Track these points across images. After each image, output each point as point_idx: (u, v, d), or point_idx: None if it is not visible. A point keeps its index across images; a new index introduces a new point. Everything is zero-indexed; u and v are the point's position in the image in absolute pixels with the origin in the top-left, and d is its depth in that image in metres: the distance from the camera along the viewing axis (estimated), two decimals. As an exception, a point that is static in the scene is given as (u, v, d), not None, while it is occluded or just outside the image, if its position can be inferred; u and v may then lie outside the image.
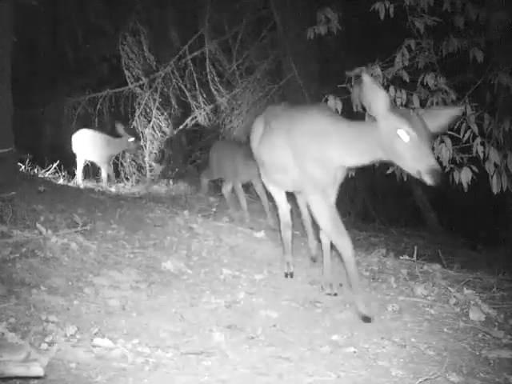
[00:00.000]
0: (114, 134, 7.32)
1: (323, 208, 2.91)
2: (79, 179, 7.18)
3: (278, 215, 3.79)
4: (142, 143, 7.78)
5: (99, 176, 7.40)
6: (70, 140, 7.32)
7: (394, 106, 2.57)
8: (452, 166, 3.89)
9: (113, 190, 6.86)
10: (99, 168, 7.44)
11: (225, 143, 6.35)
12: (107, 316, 2.57)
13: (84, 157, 7.38)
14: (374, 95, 2.56)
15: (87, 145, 7.29)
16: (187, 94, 8.08)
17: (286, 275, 3.54)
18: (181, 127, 8.23)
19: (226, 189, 5.75)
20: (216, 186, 7.55)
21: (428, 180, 2.46)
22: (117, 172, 7.71)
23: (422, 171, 2.46)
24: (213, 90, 7.87)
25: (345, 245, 2.84)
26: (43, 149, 8.39)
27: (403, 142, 2.50)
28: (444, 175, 2.48)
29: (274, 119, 3.32)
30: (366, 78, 2.56)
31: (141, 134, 8.21)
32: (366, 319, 2.77)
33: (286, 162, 3.13)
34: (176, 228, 4.31)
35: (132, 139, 7.28)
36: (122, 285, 2.99)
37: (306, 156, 2.96)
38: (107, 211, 4.36)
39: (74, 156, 7.35)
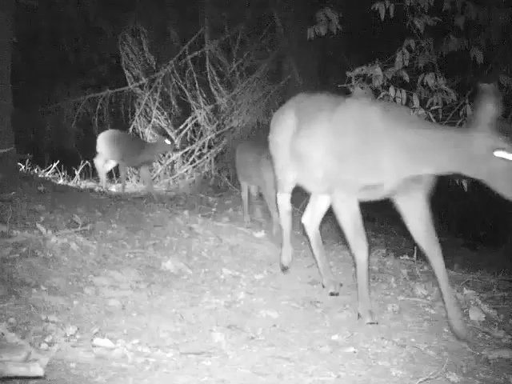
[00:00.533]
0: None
1: (346, 211, 2.80)
2: (104, 182, 6.92)
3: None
4: (175, 144, 7.30)
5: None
6: (71, 140, 7.30)
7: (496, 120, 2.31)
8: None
9: (113, 190, 6.86)
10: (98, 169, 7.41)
11: (250, 144, 5.52)
12: (107, 316, 2.57)
13: (112, 159, 7.00)
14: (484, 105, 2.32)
15: (118, 147, 6.85)
16: (187, 93, 8.08)
17: (284, 269, 3.50)
18: (181, 127, 8.23)
19: (244, 193, 5.37)
20: (215, 186, 7.56)
21: None
22: (117, 172, 7.70)
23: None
24: (213, 90, 7.88)
25: (360, 248, 2.75)
26: (43, 149, 8.39)
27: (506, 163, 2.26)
28: None
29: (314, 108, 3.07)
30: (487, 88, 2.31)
31: (141, 134, 8.21)
32: (371, 323, 2.72)
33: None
34: (176, 228, 4.30)
35: (168, 141, 6.82)
36: (121, 285, 2.99)
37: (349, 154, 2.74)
38: (107, 211, 4.36)
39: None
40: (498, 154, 2.25)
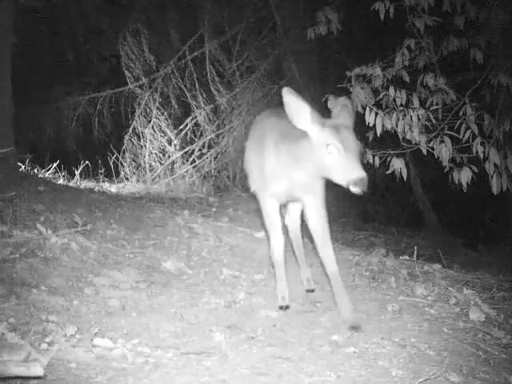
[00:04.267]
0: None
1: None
2: None
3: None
4: None
5: (99, 176, 7.36)
6: (71, 140, 7.30)
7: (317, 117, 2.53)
8: (452, 165, 3.89)
9: (113, 190, 6.85)
10: (100, 167, 7.41)
11: None
12: (107, 316, 2.57)
13: None
14: (298, 108, 2.52)
15: None
16: (187, 93, 8.08)
17: (281, 308, 2.96)
18: (181, 127, 8.22)
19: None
20: (215, 186, 7.56)
21: (354, 189, 2.43)
22: (117, 172, 7.70)
23: (349, 183, 2.43)
24: (213, 90, 7.87)
25: None
26: (43, 149, 8.38)
27: (333, 156, 2.47)
28: (368, 181, 2.41)
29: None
30: (287, 95, 2.51)
31: (141, 134, 8.20)
32: (354, 328, 2.63)
33: None
34: (176, 228, 4.30)
35: None
36: (121, 285, 2.99)
37: None
38: (107, 211, 4.36)
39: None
40: (330, 148, 2.47)
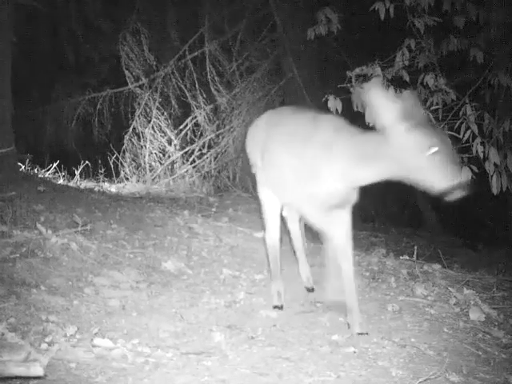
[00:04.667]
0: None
1: None
2: None
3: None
4: None
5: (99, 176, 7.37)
6: (71, 140, 7.29)
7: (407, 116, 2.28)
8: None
9: (113, 190, 6.85)
10: (100, 167, 7.41)
11: None
12: (107, 316, 2.57)
13: None
14: (381, 105, 2.30)
15: None
16: (187, 93, 8.07)
17: (276, 307, 2.95)
18: (181, 127, 8.22)
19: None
20: (215, 186, 7.56)
21: (453, 195, 2.26)
22: (117, 172, 7.69)
23: (450, 187, 2.24)
24: (213, 90, 7.87)
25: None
26: (43, 149, 8.38)
27: (430, 157, 2.24)
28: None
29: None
30: (371, 89, 2.32)
31: (141, 134, 8.20)
32: (361, 333, 2.59)
33: None
34: (176, 228, 4.30)
35: None
36: (121, 285, 2.99)
37: None
38: (107, 211, 4.36)
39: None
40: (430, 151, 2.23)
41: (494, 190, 3.85)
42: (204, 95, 7.97)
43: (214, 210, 5.44)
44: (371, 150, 2.40)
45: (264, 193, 3.04)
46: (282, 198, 2.96)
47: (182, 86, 8.09)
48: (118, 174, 7.78)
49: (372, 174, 2.44)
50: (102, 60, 8.98)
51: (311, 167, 2.57)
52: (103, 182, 7.25)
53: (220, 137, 7.97)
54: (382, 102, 2.30)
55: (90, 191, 5.56)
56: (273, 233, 3.07)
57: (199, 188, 7.43)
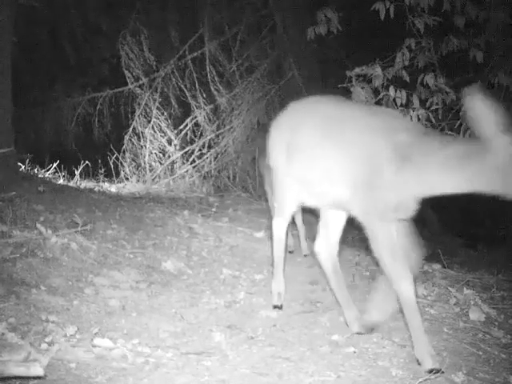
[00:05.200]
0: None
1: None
2: None
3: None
4: None
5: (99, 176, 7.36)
6: (71, 140, 7.30)
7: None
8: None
9: (113, 190, 6.85)
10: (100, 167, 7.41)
11: None
12: (107, 316, 2.57)
13: None
14: (484, 116, 2.16)
15: None
16: (187, 93, 8.08)
17: (276, 307, 2.90)
18: (181, 127, 8.22)
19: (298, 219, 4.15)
20: (215, 186, 7.56)
21: None
22: (117, 172, 7.70)
23: None
24: (213, 90, 7.87)
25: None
26: (43, 149, 8.38)
27: None
28: None
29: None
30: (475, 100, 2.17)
31: (141, 134, 8.20)
32: (433, 371, 2.23)
33: None
34: (176, 228, 4.31)
35: None
36: (121, 285, 2.99)
37: None
38: (107, 211, 4.36)
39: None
40: None
41: (494, 190, 3.84)
42: (204, 95, 7.98)
43: (213, 210, 5.44)
44: (464, 160, 2.26)
45: (287, 183, 2.83)
46: (318, 198, 2.78)
47: (182, 86, 8.09)
48: (118, 174, 7.78)
49: (453, 185, 2.33)
50: (101, 60, 8.99)
51: (381, 173, 2.41)
52: (103, 182, 7.25)
53: (220, 137, 7.97)
54: (485, 112, 2.17)
55: (89, 191, 5.56)
56: (284, 222, 2.92)
57: (199, 188, 7.43)
